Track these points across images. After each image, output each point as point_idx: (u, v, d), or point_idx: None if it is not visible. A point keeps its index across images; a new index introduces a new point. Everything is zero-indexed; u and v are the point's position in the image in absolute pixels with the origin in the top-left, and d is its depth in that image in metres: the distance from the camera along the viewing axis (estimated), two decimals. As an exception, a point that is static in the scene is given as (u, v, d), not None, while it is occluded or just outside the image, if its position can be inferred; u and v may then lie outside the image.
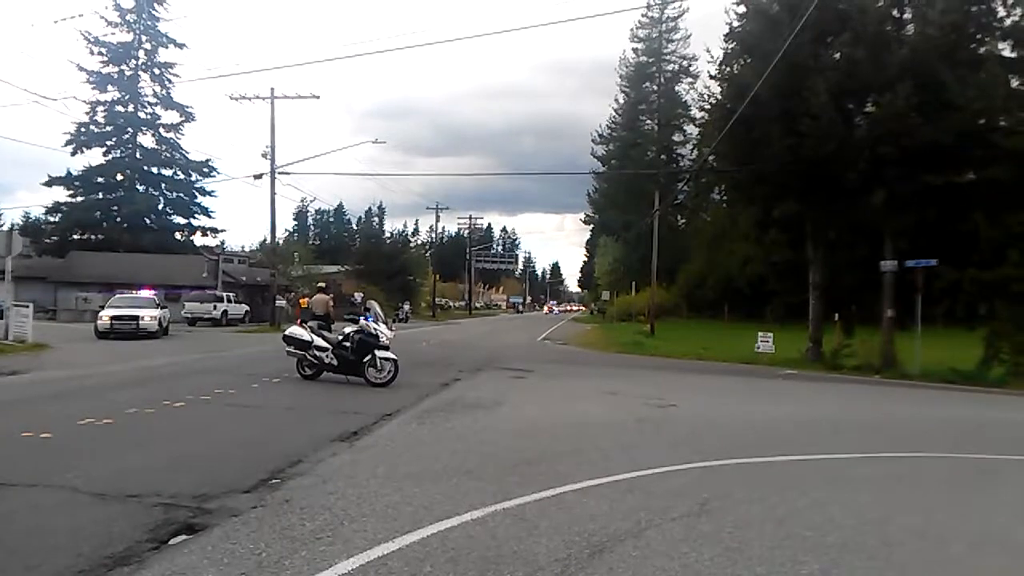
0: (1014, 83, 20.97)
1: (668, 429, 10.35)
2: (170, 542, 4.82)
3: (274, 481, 6.50)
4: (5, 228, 35.25)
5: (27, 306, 22.48)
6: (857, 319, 25.41)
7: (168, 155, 58.71)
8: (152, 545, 4.73)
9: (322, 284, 19.08)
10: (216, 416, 10.27)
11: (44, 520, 5.20)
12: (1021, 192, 19.83)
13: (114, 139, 57.41)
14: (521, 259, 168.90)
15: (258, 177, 39.41)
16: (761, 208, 25.58)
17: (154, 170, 58.82)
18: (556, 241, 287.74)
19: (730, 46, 25.25)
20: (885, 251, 21.51)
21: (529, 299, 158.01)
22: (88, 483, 6.11)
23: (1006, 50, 21.13)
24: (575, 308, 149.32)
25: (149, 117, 57.88)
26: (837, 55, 21.56)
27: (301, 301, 25.48)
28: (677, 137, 72.48)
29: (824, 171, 21.02)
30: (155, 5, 55.94)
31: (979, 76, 19.81)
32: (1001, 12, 21.06)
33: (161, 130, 58.09)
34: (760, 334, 24.31)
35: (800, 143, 20.70)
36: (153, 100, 57.64)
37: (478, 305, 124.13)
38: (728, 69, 25.17)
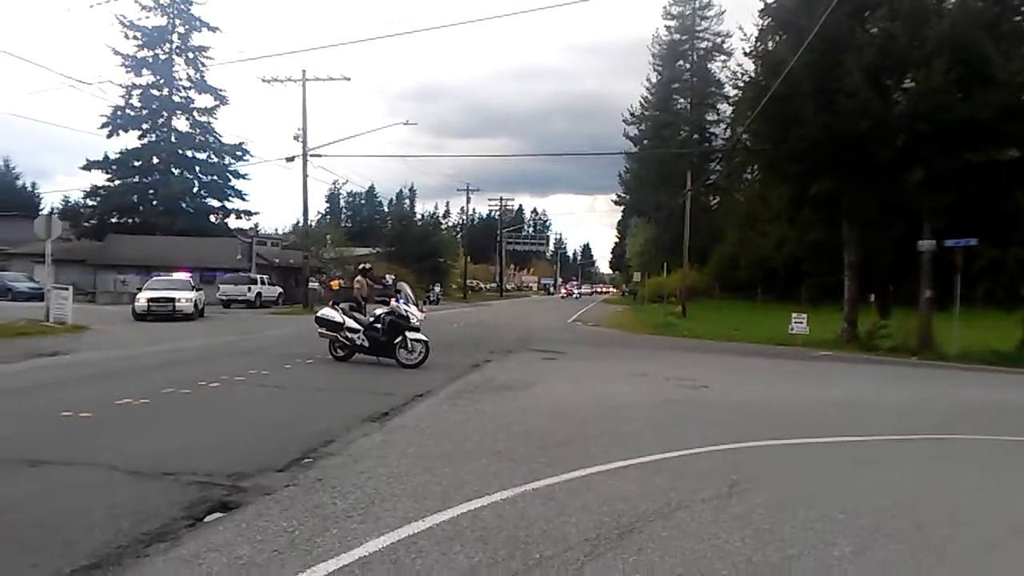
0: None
1: (699, 410, 10.29)
2: (205, 519, 4.91)
3: (306, 460, 6.58)
4: (45, 212, 35.83)
5: (67, 288, 22.88)
6: (893, 300, 25.04)
7: (202, 138, 59.32)
8: (188, 522, 4.81)
9: (366, 265, 18.62)
10: (249, 396, 10.41)
11: (82, 497, 5.31)
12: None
13: (149, 123, 58.10)
14: (552, 241, 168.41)
15: (290, 160, 39.62)
16: (795, 187, 25.20)
17: (189, 153, 59.53)
18: (587, 222, 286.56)
19: (764, 22, 24.80)
20: (923, 230, 21.08)
21: (561, 280, 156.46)
22: (125, 461, 6.23)
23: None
24: (604, 289, 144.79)
25: (183, 101, 58.49)
26: (874, 30, 21.08)
27: (332, 283, 25.56)
28: (710, 116, 71.62)
29: (860, 149, 20.61)
30: (188, -12, 56.36)
31: (1023, 50, 19.26)
32: (1047, -18, 20.45)
33: (195, 113, 58.69)
34: (794, 315, 24.09)
35: (835, 121, 20.29)
36: (187, 84, 58.23)
37: (509, 287, 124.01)
38: (762, 46, 24.73)
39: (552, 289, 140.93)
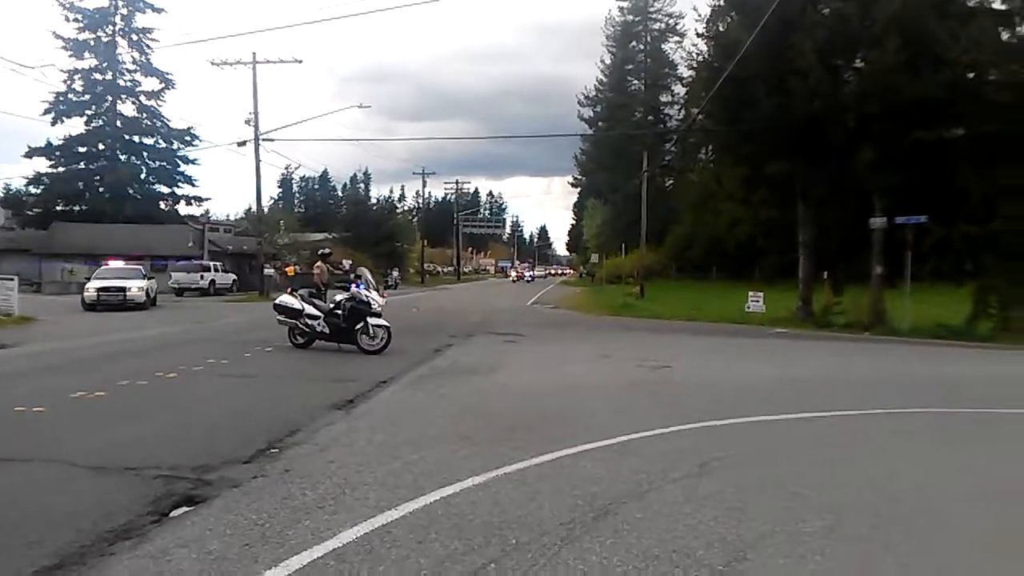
0: (1005, 36, 20.81)
1: (662, 391, 10.37)
2: (171, 514, 4.79)
3: (273, 451, 6.47)
4: (-14, 200, 34.75)
5: (12, 279, 22.21)
6: (846, 277, 25.46)
7: (149, 123, 57.87)
8: (153, 518, 4.69)
9: (326, 251, 18.46)
10: (210, 386, 10.21)
11: (43, 495, 5.15)
12: (1011, 146, 19.76)
13: (94, 108, 56.52)
14: (509, 223, 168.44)
15: (242, 144, 38.96)
16: (750, 167, 25.47)
17: (136, 139, 58.06)
18: (543, 205, 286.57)
19: (718, 2, 24.94)
20: (874, 208, 21.47)
21: (518, 263, 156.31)
22: (85, 457, 6.05)
23: (996, 2, 20.98)
24: (560, 272, 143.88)
25: (129, 84, 56.96)
26: (826, 10, 21.33)
27: (287, 269, 25.19)
28: (664, 97, 72.17)
29: (812, 129, 20.87)
30: (130, -32, 54.73)
31: (970, 29, 19.65)
32: (993, -36, 20.87)
33: (142, 98, 57.20)
34: (751, 294, 24.38)
35: (788, 101, 20.51)
36: (132, 67, 56.73)
37: (466, 270, 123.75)
38: (715, 27, 24.86)
39: (509, 271, 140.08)
